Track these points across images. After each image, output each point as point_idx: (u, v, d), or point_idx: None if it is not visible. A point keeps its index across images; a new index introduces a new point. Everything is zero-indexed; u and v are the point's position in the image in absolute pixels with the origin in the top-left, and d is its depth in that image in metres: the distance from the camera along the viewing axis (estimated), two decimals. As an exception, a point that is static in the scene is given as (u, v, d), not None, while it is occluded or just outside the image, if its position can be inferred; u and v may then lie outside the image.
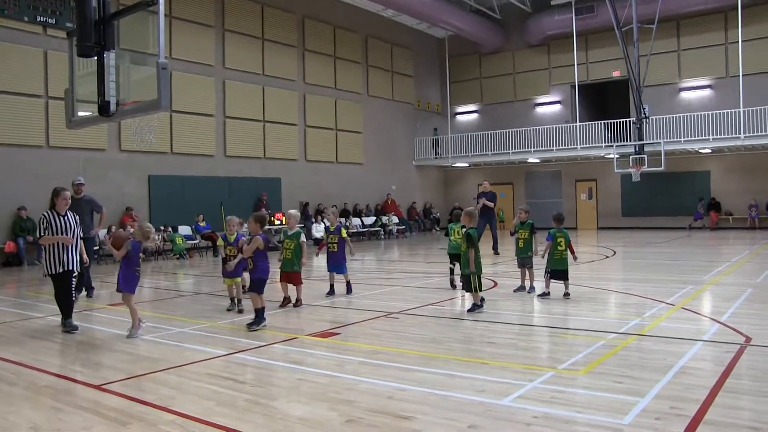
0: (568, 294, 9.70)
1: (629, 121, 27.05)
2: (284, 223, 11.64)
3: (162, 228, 19.69)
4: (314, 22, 26.92)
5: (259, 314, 7.88)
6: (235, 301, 9.46)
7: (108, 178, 19.56)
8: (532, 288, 10.34)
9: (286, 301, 9.53)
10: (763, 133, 24.29)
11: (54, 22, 7.15)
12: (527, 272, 10.45)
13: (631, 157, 25.27)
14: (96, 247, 14.90)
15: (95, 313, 9.57)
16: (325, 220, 12.82)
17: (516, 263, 10.81)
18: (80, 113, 7.78)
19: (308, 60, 26.59)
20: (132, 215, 19.25)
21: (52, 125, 18.13)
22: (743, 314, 8.07)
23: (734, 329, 7.07)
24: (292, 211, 9.86)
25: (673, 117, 26.62)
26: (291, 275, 9.41)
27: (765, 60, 26.31)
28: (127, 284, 7.73)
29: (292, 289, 9.61)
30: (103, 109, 7.05)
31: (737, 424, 4.23)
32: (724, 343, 6.48)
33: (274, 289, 9.85)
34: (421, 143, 32.79)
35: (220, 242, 9.82)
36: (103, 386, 5.49)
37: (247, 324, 7.92)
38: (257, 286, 7.99)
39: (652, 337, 6.87)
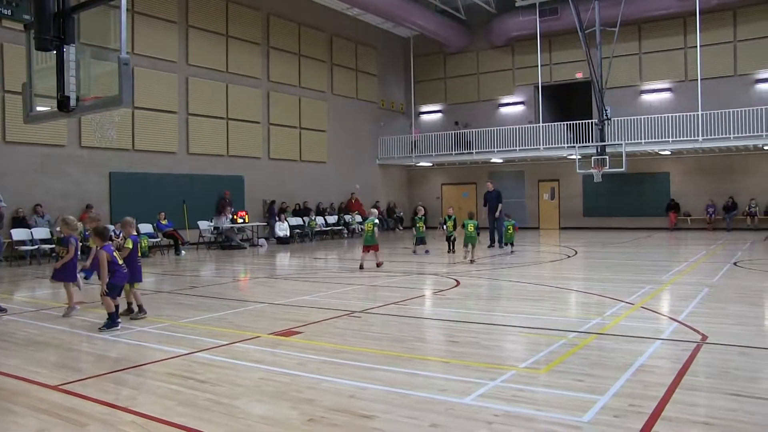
0: None
1: (591, 122, 27.41)
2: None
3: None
4: (279, 20, 26.74)
5: (112, 317, 7.86)
6: (134, 306, 8.77)
7: (68, 174, 19.21)
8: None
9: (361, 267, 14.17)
10: (721, 136, 24.86)
11: (9, 14, 6.90)
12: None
13: (592, 158, 25.65)
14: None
15: (53, 312, 9.37)
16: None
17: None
18: (38, 108, 7.61)
19: (273, 58, 26.41)
20: (91, 212, 18.88)
21: (8, 120, 17.64)
22: (700, 313, 8.24)
23: (691, 328, 7.22)
24: (372, 209, 16.82)
25: (634, 119, 27.05)
26: (371, 246, 14.80)
27: (722, 65, 26.96)
28: (59, 273, 9.23)
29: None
30: (63, 105, 6.91)
31: (693, 420, 4.32)
32: (681, 342, 6.62)
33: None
34: (384, 142, 32.79)
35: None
36: (60, 386, 5.38)
37: (99, 327, 7.81)
38: (110, 290, 8.03)
39: (613, 336, 6.98)
